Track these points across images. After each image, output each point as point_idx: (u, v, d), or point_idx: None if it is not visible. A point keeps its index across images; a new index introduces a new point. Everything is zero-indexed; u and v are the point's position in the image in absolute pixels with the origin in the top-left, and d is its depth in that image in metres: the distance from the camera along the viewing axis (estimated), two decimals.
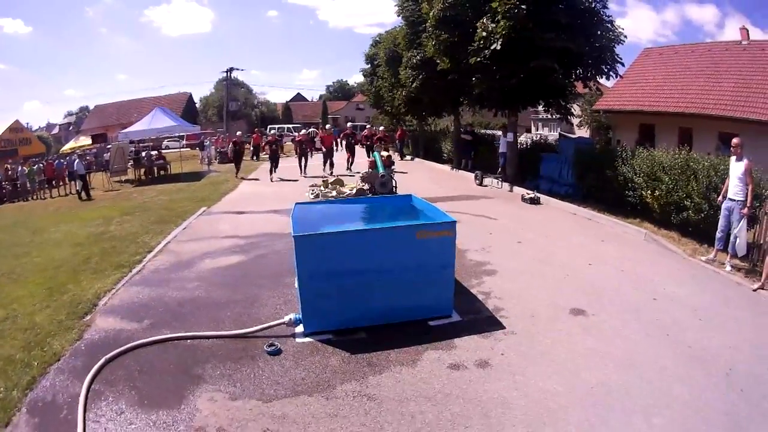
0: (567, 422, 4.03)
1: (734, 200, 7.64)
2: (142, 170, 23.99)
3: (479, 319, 5.98)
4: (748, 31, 20.77)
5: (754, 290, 6.75)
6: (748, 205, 7.48)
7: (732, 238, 7.60)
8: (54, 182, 25.19)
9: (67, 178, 24.80)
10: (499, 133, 19.00)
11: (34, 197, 23.49)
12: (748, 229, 7.75)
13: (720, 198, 8.02)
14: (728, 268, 7.64)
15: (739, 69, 18.66)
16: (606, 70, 14.07)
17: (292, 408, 4.29)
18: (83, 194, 19.73)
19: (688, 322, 5.83)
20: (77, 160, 20.32)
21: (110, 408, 4.33)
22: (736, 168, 7.66)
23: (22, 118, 55.16)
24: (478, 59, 13.53)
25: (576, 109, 24.21)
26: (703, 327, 5.69)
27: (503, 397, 4.37)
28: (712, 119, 17.29)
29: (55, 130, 70.29)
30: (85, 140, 33.32)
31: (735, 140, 7.84)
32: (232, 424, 4.09)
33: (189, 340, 5.56)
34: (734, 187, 7.65)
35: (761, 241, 7.47)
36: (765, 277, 6.79)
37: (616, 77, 14.76)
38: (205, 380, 4.75)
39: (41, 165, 25.84)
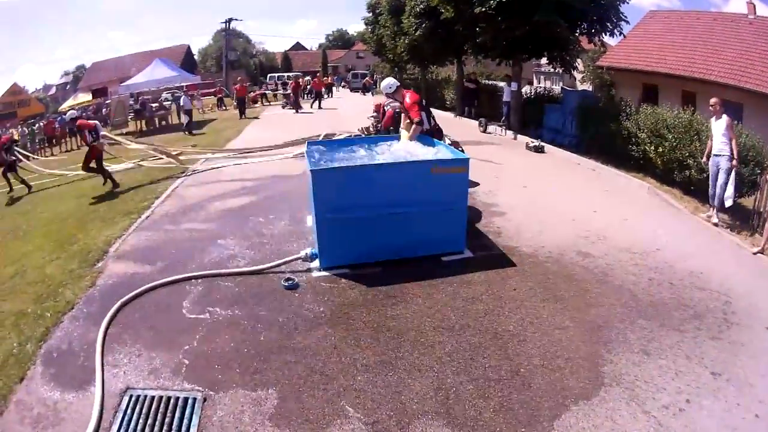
0: (577, 355, 4.16)
1: (719, 155, 7.71)
2: (143, 122, 23.72)
3: (491, 256, 6.06)
4: (755, 5, 20.46)
5: (754, 254, 6.75)
6: (735, 157, 7.54)
7: (718, 190, 7.65)
8: (54, 140, 24.82)
9: (68, 135, 24.40)
10: (502, 83, 18.80)
11: (35, 156, 23.22)
12: (747, 194, 7.86)
13: (705, 159, 8.12)
14: (715, 219, 7.72)
15: (743, 41, 18.46)
16: (610, 28, 13.91)
17: (314, 339, 4.37)
18: (187, 131, 20.10)
19: (689, 276, 5.71)
20: (183, 96, 21.02)
21: (128, 351, 4.28)
22: (718, 126, 7.72)
23: (18, 82, 54.69)
24: (483, 9, 13.32)
25: (579, 64, 23.92)
26: (701, 279, 5.60)
27: (517, 330, 4.49)
28: (716, 86, 17.04)
29: (52, 91, 68.56)
30: (84, 96, 32.85)
31: (714, 99, 7.88)
32: (255, 357, 4.15)
33: (205, 279, 5.55)
34: (719, 144, 7.72)
35: (761, 209, 7.44)
36: (765, 242, 6.84)
37: (620, 35, 14.58)
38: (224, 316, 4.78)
39: (41, 124, 25.40)
